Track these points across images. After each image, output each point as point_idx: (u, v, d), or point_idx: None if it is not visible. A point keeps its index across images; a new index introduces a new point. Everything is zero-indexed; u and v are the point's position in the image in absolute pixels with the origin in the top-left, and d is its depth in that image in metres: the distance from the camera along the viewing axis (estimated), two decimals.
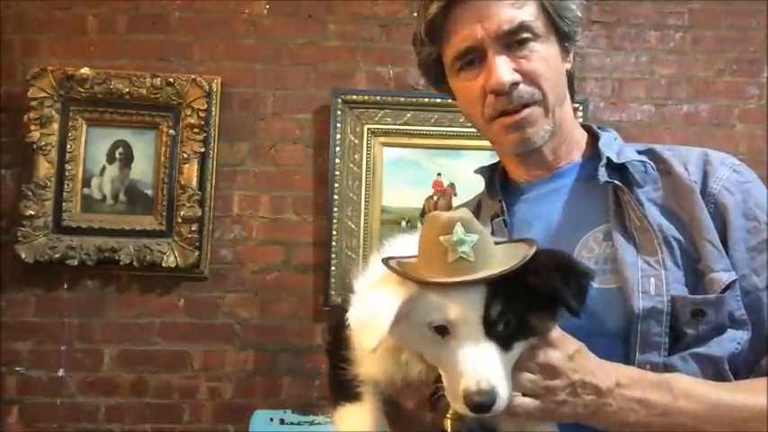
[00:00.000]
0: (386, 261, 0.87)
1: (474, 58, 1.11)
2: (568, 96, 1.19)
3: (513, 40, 1.09)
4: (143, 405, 2.72)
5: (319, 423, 2.53)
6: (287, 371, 2.75)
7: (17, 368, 2.71)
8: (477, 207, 1.28)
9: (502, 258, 0.84)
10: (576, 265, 0.88)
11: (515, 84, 1.08)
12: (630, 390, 0.90)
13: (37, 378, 2.72)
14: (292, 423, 2.57)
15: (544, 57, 1.10)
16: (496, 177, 1.26)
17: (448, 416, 0.87)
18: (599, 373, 0.89)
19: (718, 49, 2.95)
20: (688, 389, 0.92)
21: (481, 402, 0.77)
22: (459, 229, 0.81)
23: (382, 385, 0.91)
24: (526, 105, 1.10)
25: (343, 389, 0.93)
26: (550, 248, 0.89)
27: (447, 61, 1.16)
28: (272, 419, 2.58)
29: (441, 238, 0.81)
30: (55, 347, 2.73)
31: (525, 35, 1.09)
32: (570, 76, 1.20)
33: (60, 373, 2.72)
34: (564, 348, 0.88)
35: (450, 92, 1.22)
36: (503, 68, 1.07)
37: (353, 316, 0.83)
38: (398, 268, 0.85)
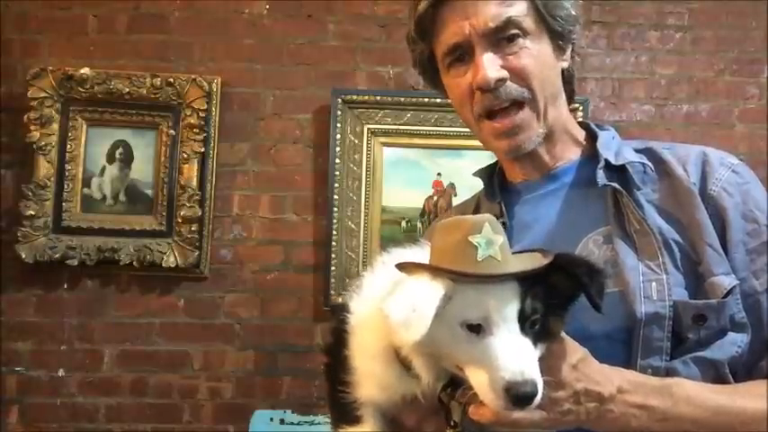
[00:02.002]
0: (408, 263, 0.86)
1: (462, 54, 1.10)
2: (563, 94, 1.18)
3: (501, 37, 1.08)
4: (143, 405, 2.72)
5: (319, 423, 2.53)
6: (287, 371, 2.75)
7: (17, 368, 2.71)
8: (475, 208, 1.28)
9: (521, 263, 0.85)
10: (596, 264, 0.89)
11: (502, 80, 1.07)
12: (632, 395, 0.90)
13: (37, 378, 2.72)
14: (292, 423, 2.57)
15: (534, 54, 1.09)
16: (495, 178, 1.25)
17: (451, 426, 0.87)
18: (601, 379, 0.89)
19: (718, 49, 2.95)
20: (689, 394, 0.92)
21: (526, 393, 0.77)
22: (488, 229, 0.82)
23: (383, 406, 0.91)
24: (515, 102, 1.09)
25: (343, 411, 0.93)
26: (567, 251, 0.90)
27: (438, 58, 1.16)
28: (272, 419, 2.58)
29: (470, 237, 0.81)
30: (55, 347, 2.73)
31: (513, 31, 1.08)
32: (570, 76, 1.20)
33: (60, 373, 2.72)
34: (569, 358, 0.88)
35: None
36: (488, 65, 1.07)
37: (393, 311, 0.80)
38: (428, 268, 0.84)
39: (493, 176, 1.26)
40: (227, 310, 2.78)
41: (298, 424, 2.56)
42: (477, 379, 0.80)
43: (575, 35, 1.16)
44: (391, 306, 0.80)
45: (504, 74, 1.07)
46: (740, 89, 2.94)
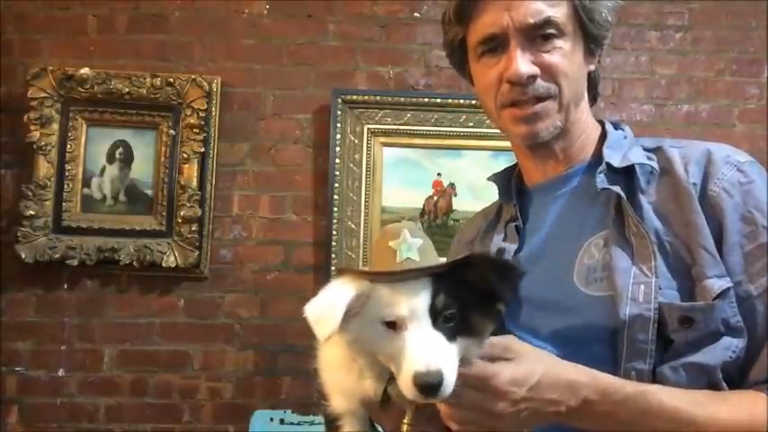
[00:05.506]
0: (343, 269, 0.97)
1: (497, 45, 1.11)
2: (586, 97, 1.19)
3: (537, 34, 1.08)
4: (143, 405, 2.72)
5: (319, 423, 2.52)
6: (287, 371, 2.75)
7: (17, 368, 2.71)
8: (497, 212, 1.29)
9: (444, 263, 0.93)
10: (507, 261, 0.98)
11: (533, 77, 1.08)
12: (598, 405, 0.90)
13: (37, 378, 2.71)
14: (292, 423, 2.56)
15: (566, 55, 1.10)
16: (513, 181, 1.26)
17: (404, 422, 0.93)
18: (560, 396, 0.90)
19: (719, 49, 2.95)
20: (662, 405, 0.90)
21: (431, 383, 0.82)
22: (405, 233, 0.90)
23: (356, 412, 0.98)
24: (540, 99, 1.09)
25: (327, 423, 1.04)
26: (484, 252, 0.98)
27: (470, 44, 1.16)
28: (272, 419, 2.57)
29: (390, 243, 0.90)
30: (55, 347, 2.72)
31: (550, 31, 1.08)
32: (595, 80, 1.21)
33: (60, 373, 2.72)
34: (522, 381, 0.89)
35: (471, 76, 1.22)
36: (522, 60, 1.07)
37: (309, 309, 0.89)
38: (353, 272, 0.93)
39: (510, 180, 1.27)
40: (227, 310, 2.78)
41: (298, 424, 2.56)
42: (397, 372, 0.86)
43: (606, 41, 1.17)
44: (309, 306, 0.90)
45: (536, 70, 1.08)
46: (740, 89, 2.94)
